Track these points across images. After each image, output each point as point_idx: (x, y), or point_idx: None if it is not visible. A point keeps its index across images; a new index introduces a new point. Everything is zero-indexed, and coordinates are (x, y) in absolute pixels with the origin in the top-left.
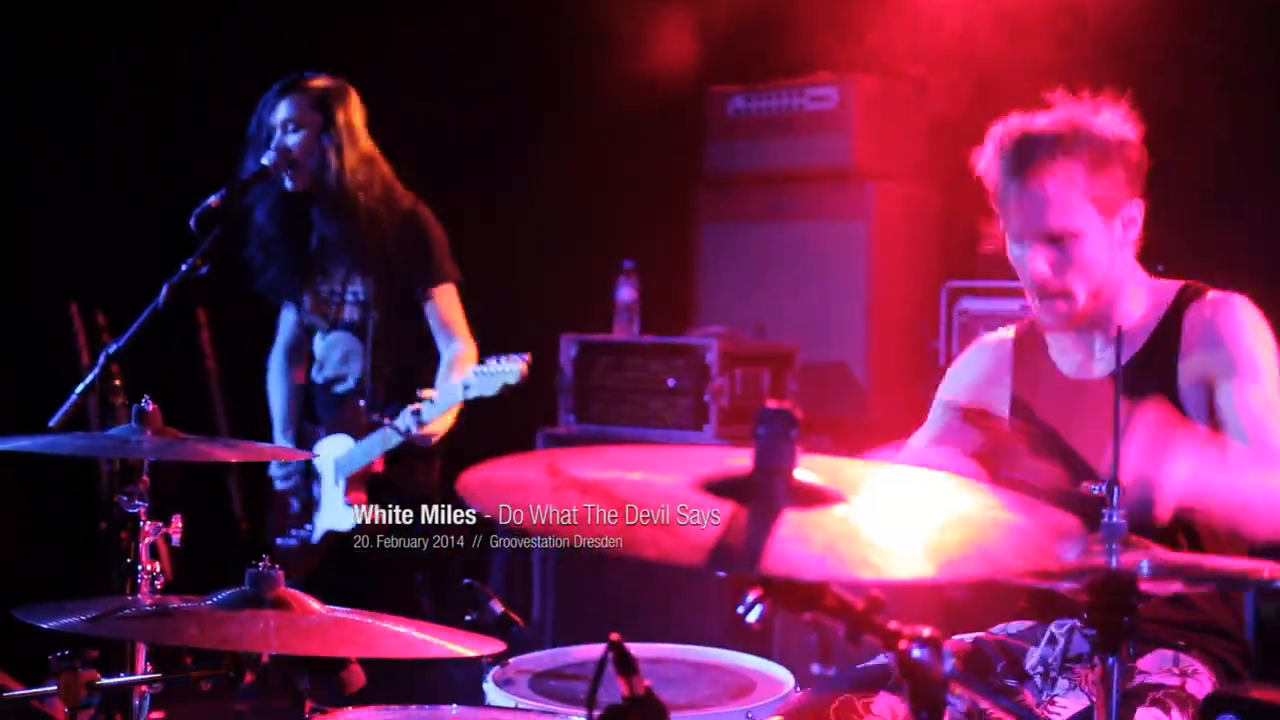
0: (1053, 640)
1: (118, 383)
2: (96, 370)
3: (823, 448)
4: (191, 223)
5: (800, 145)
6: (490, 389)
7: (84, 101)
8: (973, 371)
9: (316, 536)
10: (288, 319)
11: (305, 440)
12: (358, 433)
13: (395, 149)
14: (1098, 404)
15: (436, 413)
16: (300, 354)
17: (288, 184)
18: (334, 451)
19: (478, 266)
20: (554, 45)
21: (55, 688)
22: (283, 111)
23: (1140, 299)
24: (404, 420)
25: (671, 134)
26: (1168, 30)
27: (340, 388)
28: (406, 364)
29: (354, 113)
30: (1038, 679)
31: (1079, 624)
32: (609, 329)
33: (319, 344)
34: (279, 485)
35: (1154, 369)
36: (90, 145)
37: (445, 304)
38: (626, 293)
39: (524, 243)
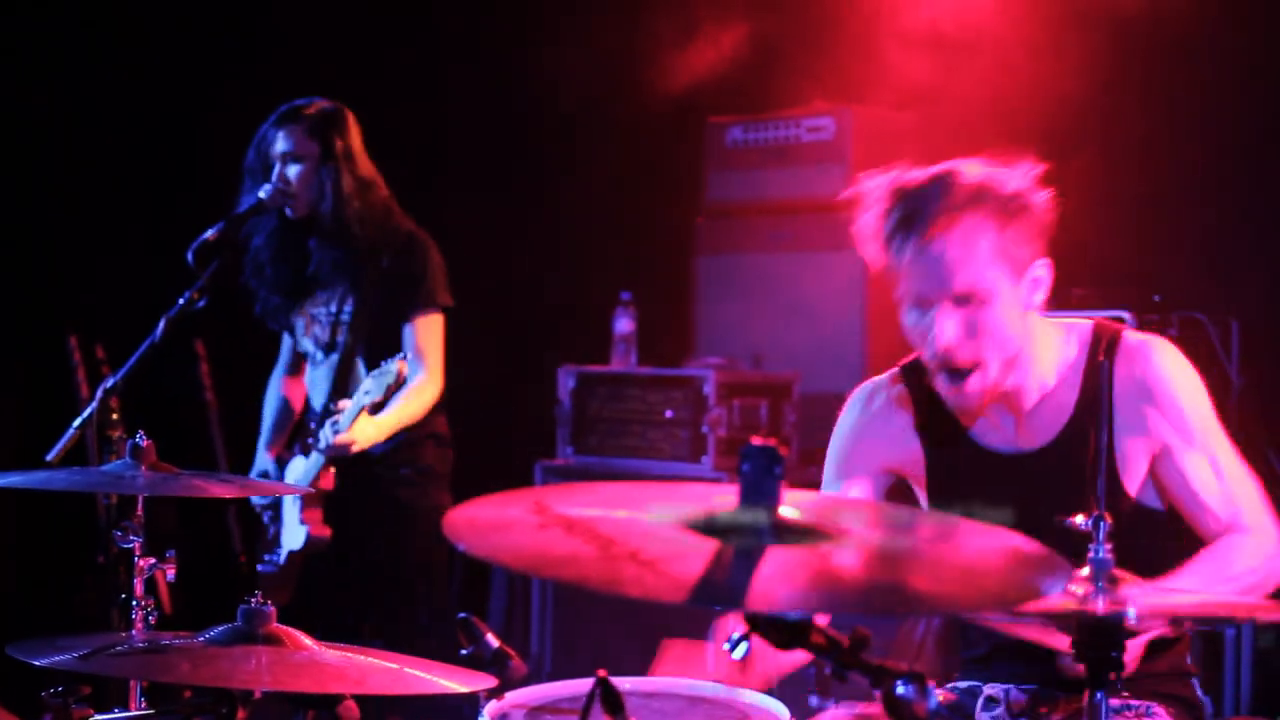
0: (992, 700)
1: (115, 416)
2: (94, 404)
3: (818, 479)
4: (189, 256)
5: (798, 176)
6: (379, 391)
7: (83, 134)
8: (870, 426)
9: (282, 559)
10: (287, 343)
11: (284, 465)
12: (307, 452)
13: (393, 179)
14: (1033, 483)
15: (347, 422)
16: (297, 376)
17: (287, 213)
18: (294, 473)
19: (476, 297)
20: (553, 77)
21: None
22: (280, 143)
23: (1051, 358)
24: (323, 435)
25: (669, 165)
26: (1164, 67)
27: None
28: None
29: (352, 137)
30: None
31: (1014, 685)
32: (607, 360)
33: (310, 373)
34: (256, 507)
35: (1087, 434)
36: (89, 178)
37: (422, 332)
38: (624, 324)
39: (522, 273)
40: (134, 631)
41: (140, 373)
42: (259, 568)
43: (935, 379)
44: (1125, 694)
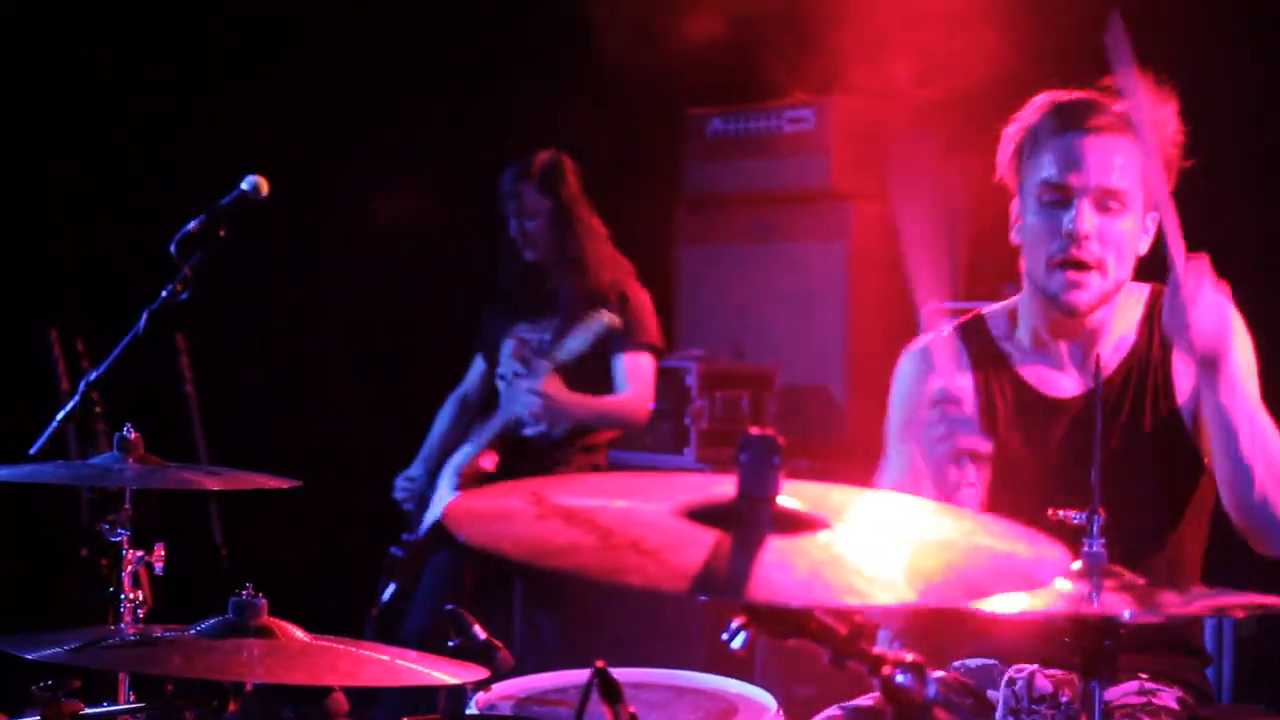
0: (1011, 683)
1: (98, 410)
2: (76, 398)
3: (802, 470)
4: (171, 248)
5: (778, 167)
6: (585, 342)
7: (62, 126)
8: (928, 384)
9: (421, 532)
10: (476, 368)
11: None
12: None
13: (376, 173)
14: (1074, 428)
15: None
16: (473, 406)
17: (527, 256)
18: (456, 459)
19: (458, 287)
20: (532, 68)
21: (38, 718)
22: (515, 198)
23: (1126, 307)
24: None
25: (650, 156)
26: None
27: (529, 430)
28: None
29: (575, 185)
30: (1008, 718)
31: (1039, 667)
32: None
33: (507, 390)
34: (400, 491)
35: (1146, 386)
36: (69, 170)
37: (631, 365)
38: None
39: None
40: (123, 624)
41: (122, 366)
42: (391, 549)
43: (1044, 278)
44: (1142, 675)
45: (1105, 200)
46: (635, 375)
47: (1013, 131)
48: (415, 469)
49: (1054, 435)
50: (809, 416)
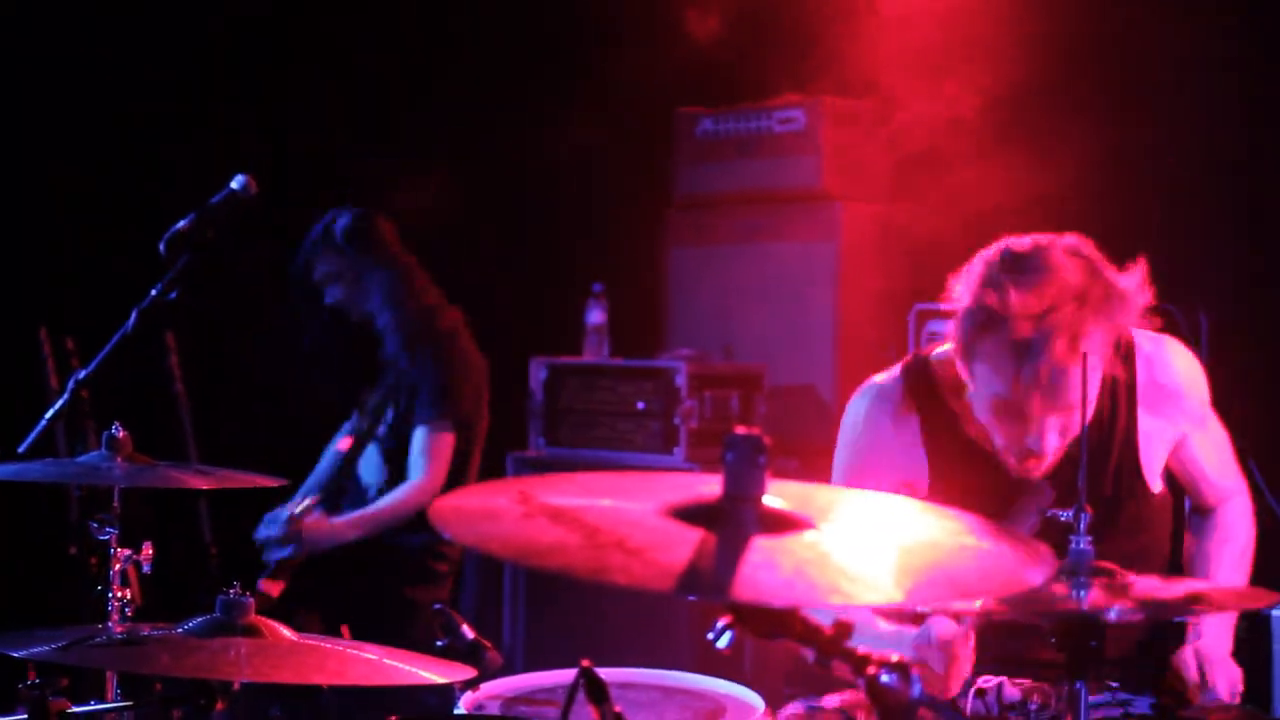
0: (981, 693)
1: (87, 408)
2: (65, 396)
3: (790, 470)
4: (161, 247)
5: (768, 167)
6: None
7: (52, 125)
8: (876, 435)
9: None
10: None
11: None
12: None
13: (363, 174)
14: (1028, 488)
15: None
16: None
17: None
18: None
19: (447, 289)
20: (522, 69)
21: (25, 716)
22: (321, 265)
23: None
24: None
25: (640, 156)
26: (1132, 51)
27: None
28: None
29: (384, 240)
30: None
31: (1005, 679)
32: (579, 352)
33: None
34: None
35: (1111, 439)
36: (58, 169)
37: (432, 444)
38: (596, 315)
39: (493, 266)
40: (110, 623)
41: (111, 365)
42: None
43: (1003, 454)
44: (1114, 685)
45: (1071, 407)
46: (433, 453)
47: (964, 306)
48: (285, 509)
49: (1004, 490)
50: (798, 416)
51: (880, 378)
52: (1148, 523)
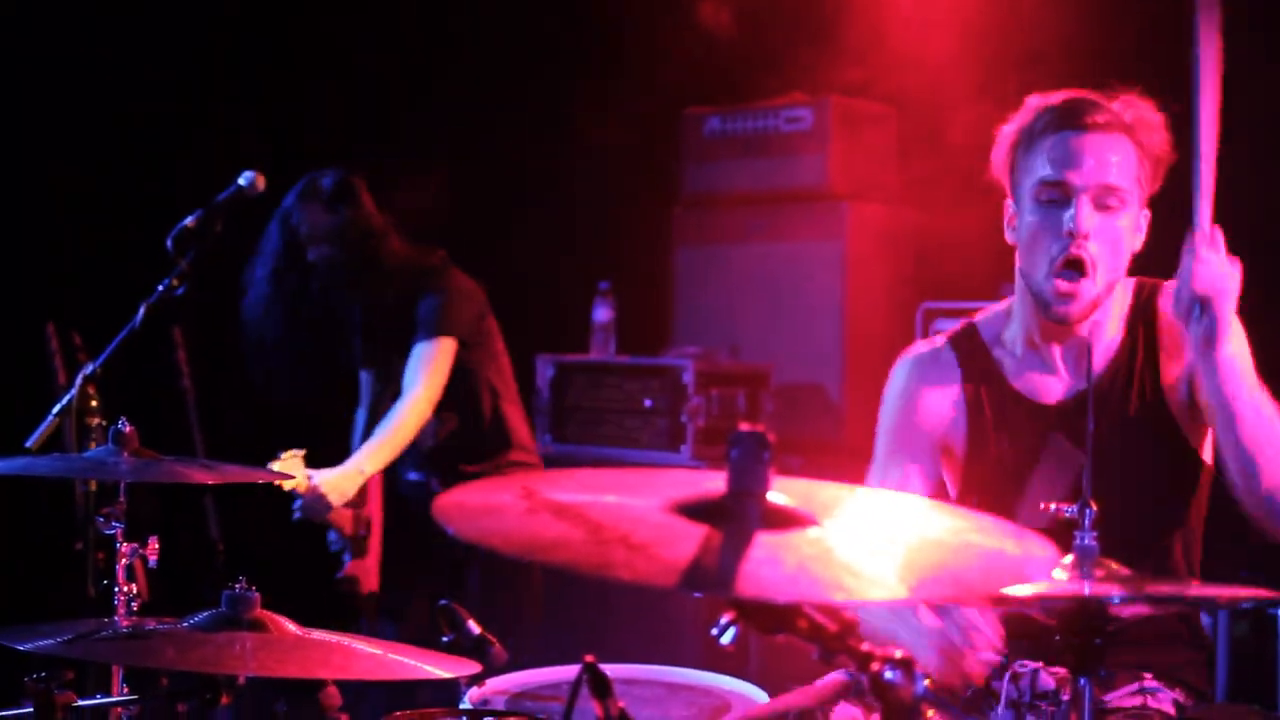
0: (1016, 678)
1: (94, 403)
2: (73, 391)
3: (797, 469)
4: (168, 243)
5: (775, 166)
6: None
7: (59, 120)
8: (918, 399)
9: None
10: (366, 380)
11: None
12: None
13: (370, 172)
14: (1068, 434)
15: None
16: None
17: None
18: None
19: None
20: (529, 67)
21: (31, 710)
22: (308, 224)
23: (1114, 303)
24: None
25: (648, 155)
26: (1141, 50)
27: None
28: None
29: (365, 201)
30: (1010, 714)
31: (1043, 665)
32: (586, 350)
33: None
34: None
35: (1134, 381)
36: (66, 165)
37: (425, 355)
38: (603, 313)
39: (500, 263)
40: (116, 617)
41: (119, 360)
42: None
43: (1041, 281)
44: (1146, 675)
45: (1104, 197)
46: (428, 365)
47: (1007, 131)
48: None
49: (1042, 438)
50: (805, 415)
51: (924, 343)
52: (1177, 474)
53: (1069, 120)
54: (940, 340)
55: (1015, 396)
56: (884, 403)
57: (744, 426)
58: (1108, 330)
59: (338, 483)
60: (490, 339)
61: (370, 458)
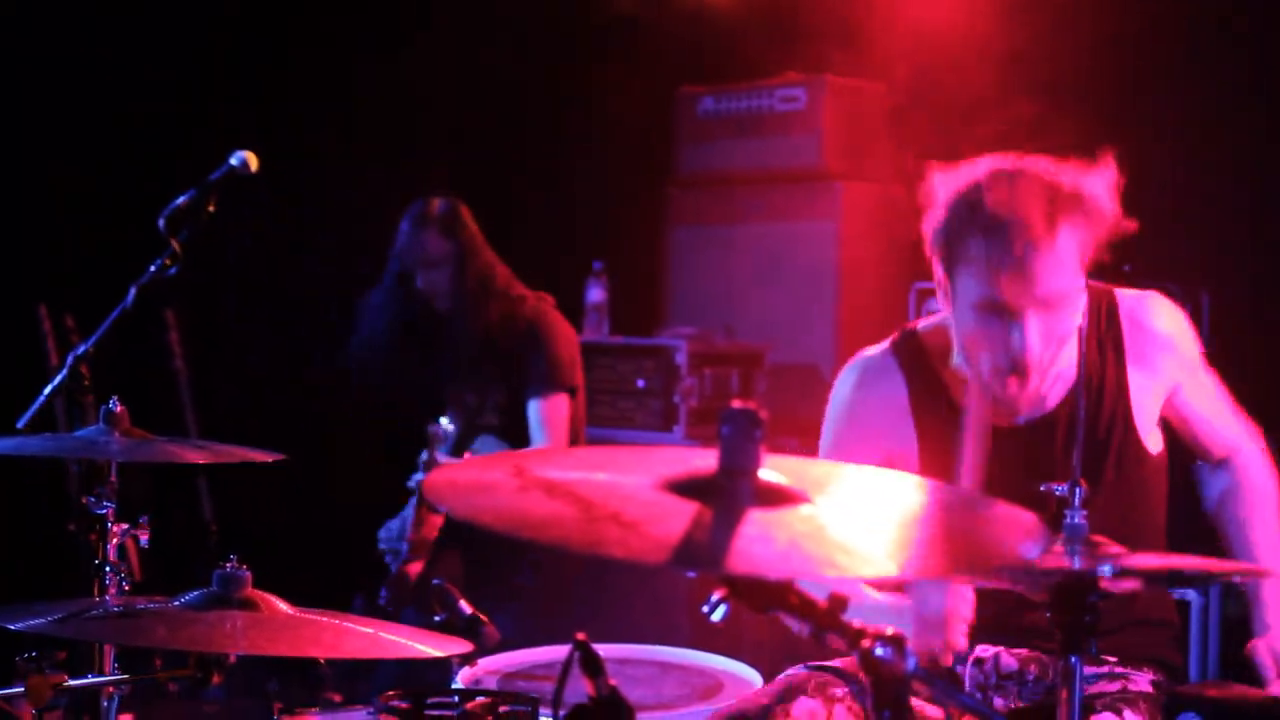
0: (979, 662)
1: (86, 384)
2: (65, 371)
3: (790, 448)
4: (160, 224)
5: (769, 146)
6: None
7: (49, 102)
8: (863, 408)
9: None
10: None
11: None
12: None
13: (365, 154)
14: (1020, 455)
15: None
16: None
17: (438, 306)
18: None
19: None
20: (523, 47)
21: (22, 689)
22: (418, 248)
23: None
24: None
25: (641, 135)
26: (1139, 37)
27: None
28: None
29: (473, 226)
30: (975, 695)
31: (1003, 649)
32: (579, 330)
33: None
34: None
35: (1103, 401)
36: (57, 146)
37: (548, 413)
38: (596, 294)
39: (493, 244)
40: (108, 596)
41: (110, 341)
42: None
43: (982, 380)
44: (1110, 659)
45: (1051, 304)
46: (551, 421)
47: (934, 220)
48: (397, 521)
49: (998, 459)
50: (798, 394)
51: (869, 350)
52: (1142, 485)
53: (1004, 235)
54: (883, 348)
55: (964, 422)
56: (829, 409)
57: (736, 404)
58: (1065, 359)
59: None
60: (582, 388)
61: None
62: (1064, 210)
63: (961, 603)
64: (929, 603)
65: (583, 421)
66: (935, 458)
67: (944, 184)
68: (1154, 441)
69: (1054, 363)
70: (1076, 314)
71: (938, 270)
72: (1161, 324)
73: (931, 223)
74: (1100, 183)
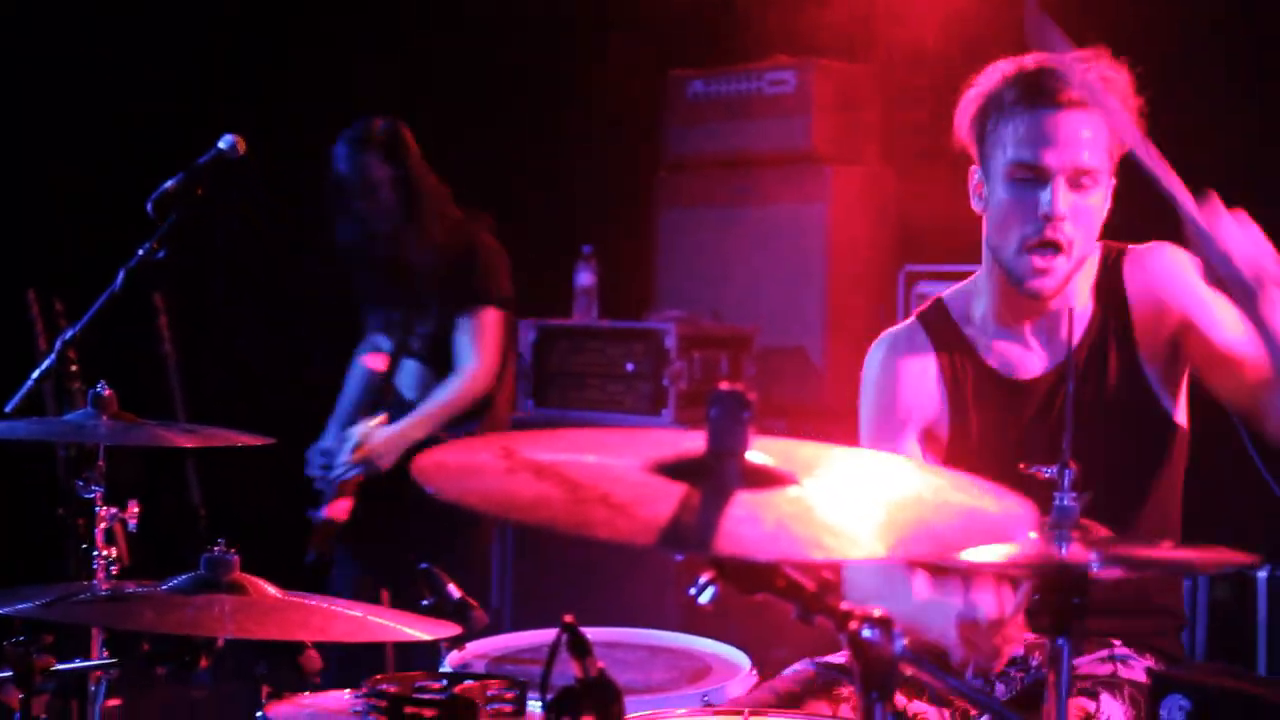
0: None
1: (74, 368)
2: (53, 356)
3: (779, 431)
4: (149, 207)
5: (759, 129)
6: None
7: (37, 87)
8: (897, 378)
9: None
10: (373, 329)
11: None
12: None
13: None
14: (1043, 409)
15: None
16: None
17: (378, 228)
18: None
19: None
20: (513, 29)
21: (10, 673)
22: (359, 171)
23: (1082, 275)
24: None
25: (630, 118)
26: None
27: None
28: None
29: (415, 148)
30: (979, 683)
31: None
32: (568, 313)
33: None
34: (317, 484)
35: (1110, 352)
36: (45, 131)
37: (477, 328)
38: (585, 277)
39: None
40: (96, 581)
41: (99, 325)
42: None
43: (1013, 260)
44: (1115, 641)
45: (1078, 178)
46: (482, 336)
47: (972, 96)
48: (328, 440)
49: (1021, 415)
50: (787, 378)
51: (895, 327)
52: (1160, 455)
53: (1040, 97)
54: (910, 319)
55: (991, 374)
56: (863, 386)
57: (724, 386)
58: (1078, 303)
59: (385, 447)
60: (514, 306)
61: (420, 425)
62: (1098, 88)
63: (1012, 608)
64: (978, 608)
65: (514, 342)
66: (966, 430)
67: (984, 76)
68: (1178, 411)
69: (1082, 263)
70: (1102, 208)
71: (974, 156)
72: (1166, 263)
73: (969, 107)
74: (1128, 89)
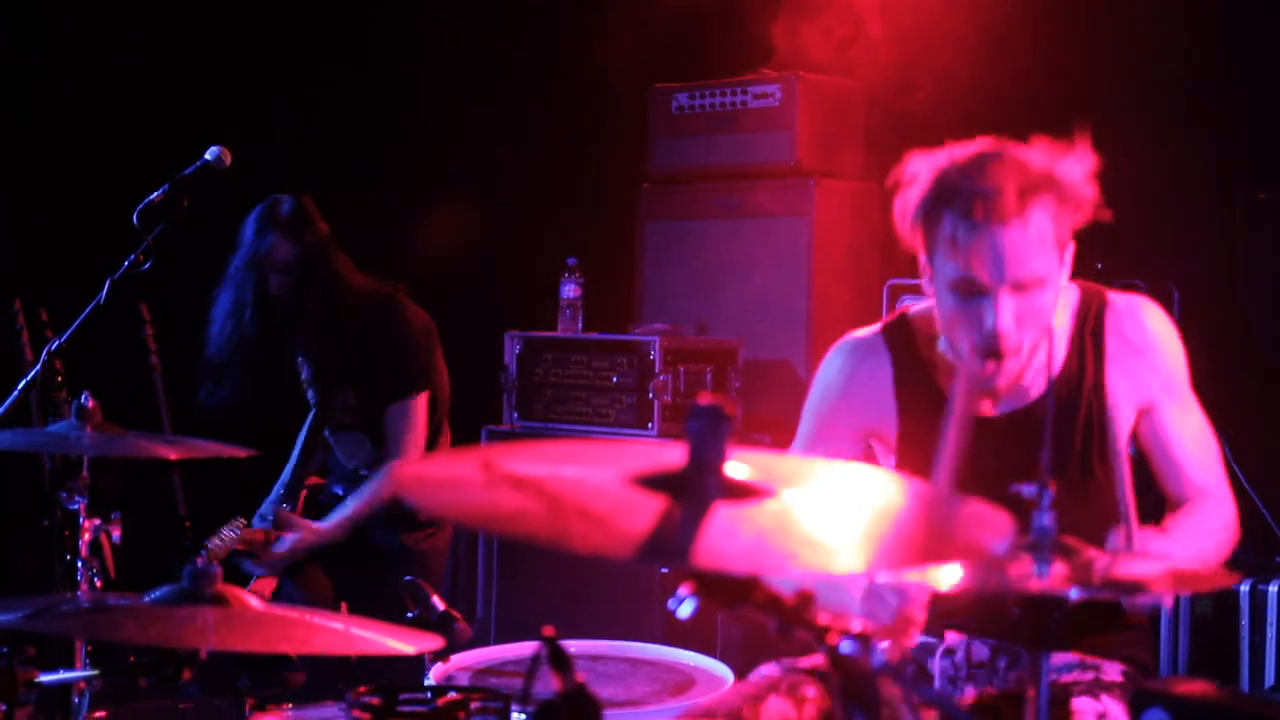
0: (950, 652)
1: (60, 379)
2: (38, 366)
3: (763, 444)
4: (134, 218)
5: (743, 143)
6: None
7: (24, 95)
8: (849, 389)
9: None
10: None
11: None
12: None
13: (341, 148)
14: (998, 447)
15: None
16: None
17: (286, 308)
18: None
19: (422, 264)
20: (497, 43)
21: None
22: (263, 252)
23: (1056, 319)
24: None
25: (615, 131)
26: (1110, 37)
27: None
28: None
29: (321, 227)
30: (947, 687)
31: (968, 637)
32: (553, 326)
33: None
34: None
35: (1080, 402)
36: (31, 141)
37: (398, 414)
38: (570, 290)
39: (468, 240)
40: (79, 592)
41: (85, 335)
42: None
43: (964, 362)
44: (1081, 654)
45: (1023, 284)
46: (409, 426)
47: (911, 197)
48: (267, 506)
49: (975, 448)
50: (772, 391)
51: (859, 332)
52: (1114, 486)
53: (979, 213)
54: (874, 329)
55: (945, 403)
56: (814, 385)
57: (703, 399)
58: (1057, 323)
59: (308, 545)
60: (440, 372)
61: (343, 526)
62: (1037, 190)
63: (916, 607)
64: (886, 603)
65: (445, 402)
66: (914, 440)
67: (922, 167)
68: (1124, 435)
69: (1034, 351)
70: (1054, 300)
71: (920, 255)
72: (1148, 330)
73: (910, 205)
74: (1078, 168)
